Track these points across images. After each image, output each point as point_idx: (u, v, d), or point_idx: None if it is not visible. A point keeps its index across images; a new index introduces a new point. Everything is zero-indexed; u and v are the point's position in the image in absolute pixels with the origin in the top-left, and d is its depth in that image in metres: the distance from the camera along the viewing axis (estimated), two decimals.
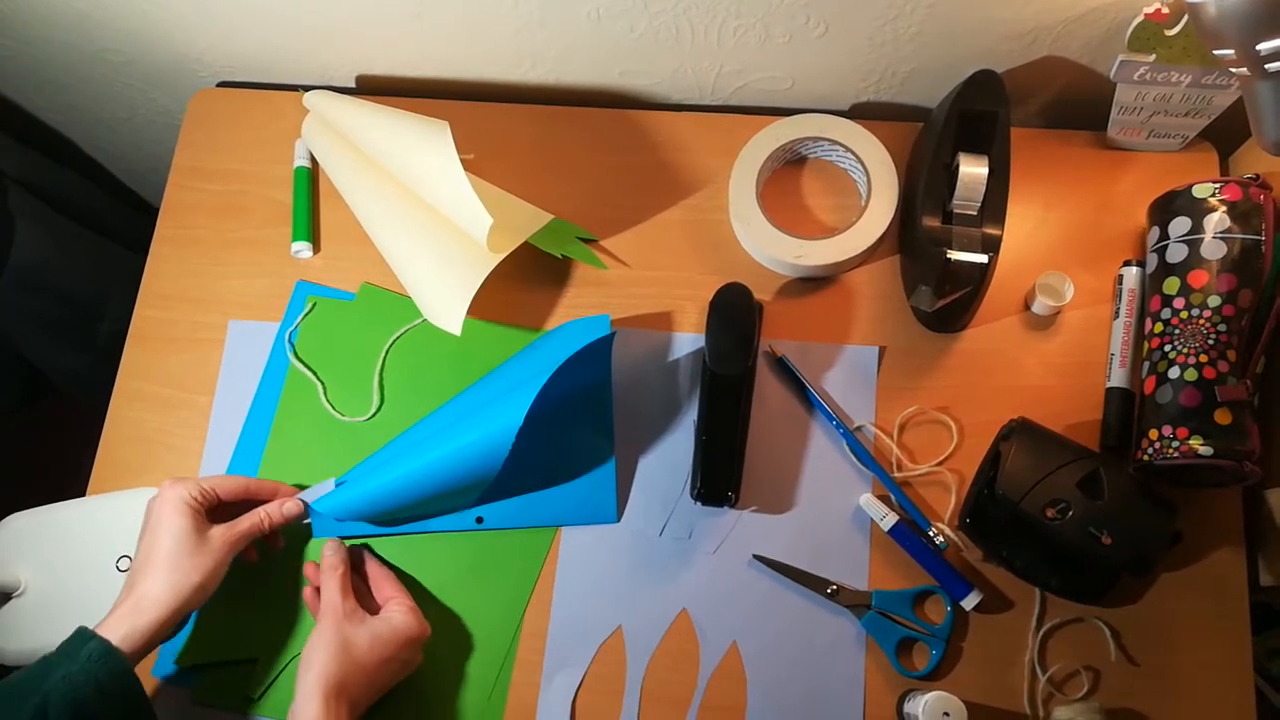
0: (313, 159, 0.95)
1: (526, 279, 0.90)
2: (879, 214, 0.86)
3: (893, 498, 0.82)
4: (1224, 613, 0.79)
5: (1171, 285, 0.79)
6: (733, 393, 0.83)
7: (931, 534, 0.81)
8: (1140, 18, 0.76)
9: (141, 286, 0.92)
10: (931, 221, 0.82)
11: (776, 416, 0.85)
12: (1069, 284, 0.85)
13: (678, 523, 0.83)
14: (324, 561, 0.78)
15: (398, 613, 0.76)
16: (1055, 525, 0.74)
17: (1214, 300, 0.76)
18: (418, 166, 0.85)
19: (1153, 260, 0.82)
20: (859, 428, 0.85)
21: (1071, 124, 0.92)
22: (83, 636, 0.67)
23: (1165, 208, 0.81)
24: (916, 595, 0.80)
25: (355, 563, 0.81)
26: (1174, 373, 0.76)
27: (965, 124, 0.83)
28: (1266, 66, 0.63)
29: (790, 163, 0.93)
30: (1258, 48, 0.62)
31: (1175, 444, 0.74)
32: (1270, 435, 0.78)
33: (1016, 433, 0.78)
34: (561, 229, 0.90)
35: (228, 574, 0.75)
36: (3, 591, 0.81)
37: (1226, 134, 0.88)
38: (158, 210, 0.95)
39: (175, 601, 0.70)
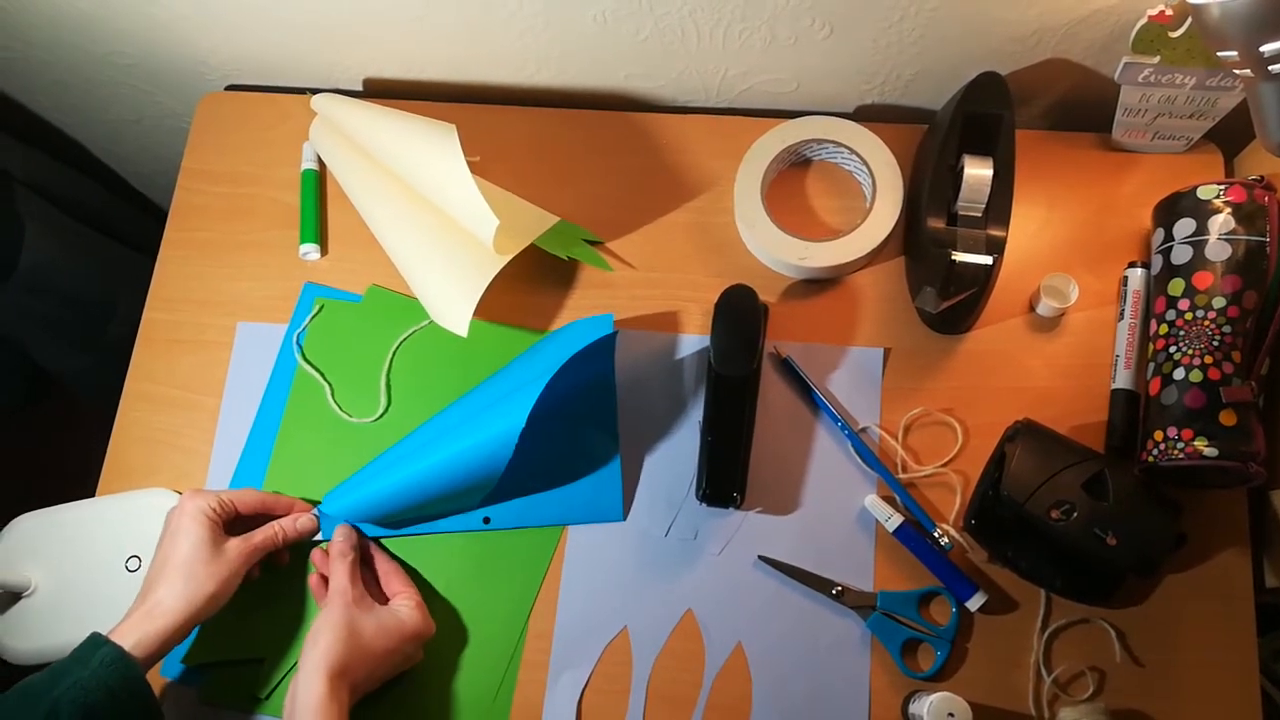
0: (320, 161, 0.96)
1: (532, 281, 0.90)
2: (884, 216, 0.87)
3: (898, 499, 0.82)
4: (1229, 614, 0.79)
5: (1176, 287, 0.79)
6: (738, 394, 0.83)
7: (936, 535, 0.81)
8: (1144, 20, 0.76)
9: (150, 289, 0.93)
10: (936, 223, 0.82)
11: (781, 418, 0.85)
12: (1074, 286, 0.85)
13: (683, 523, 0.83)
14: (333, 548, 0.78)
15: (405, 607, 0.76)
16: (1060, 526, 0.74)
17: (1219, 302, 0.76)
18: (424, 169, 0.85)
19: (1157, 262, 0.82)
20: (864, 429, 0.85)
21: (1076, 126, 0.92)
22: (95, 642, 0.67)
23: (1170, 209, 0.81)
24: (921, 596, 0.80)
25: (364, 555, 0.81)
26: (1179, 374, 0.76)
27: (970, 126, 0.83)
28: (1270, 68, 0.63)
29: (795, 165, 0.93)
30: (1261, 49, 0.62)
31: (1180, 445, 0.74)
32: (1275, 436, 0.78)
33: (1021, 434, 0.78)
34: (567, 231, 0.91)
35: None
36: (12, 592, 0.81)
37: (1231, 136, 0.88)
38: (165, 213, 0.95)
39: (188, 610, 0.71)
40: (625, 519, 0.83)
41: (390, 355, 0.89)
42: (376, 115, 0.90)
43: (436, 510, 0.82)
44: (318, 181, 0.95)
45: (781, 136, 0.90)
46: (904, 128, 0.91)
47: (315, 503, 0.82)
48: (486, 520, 0.83)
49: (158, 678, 0.81)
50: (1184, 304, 0.78)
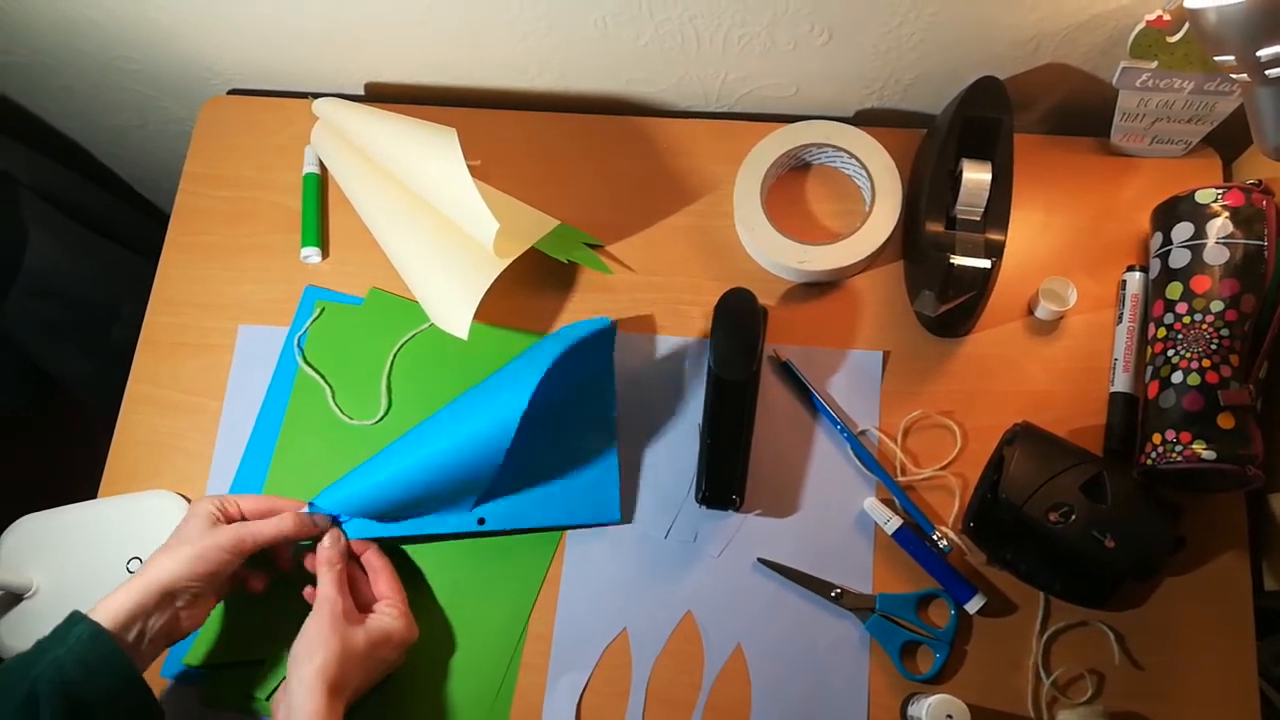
0: (322, 165, 0.96)
1: (533, 284, 0.90)
2: (883, 220, 0.87)
3: (897, 501, 0.83)
4: (1228, 617, 0.79)
5: (1174, 290, 0.79)
6: (737, 397, 0.83)
7: (935, 538, 0.81)
8: (1142, 25, 0.77)
9: (152, 292, 0.93)
10: (935, 227, 0.82)
11: (781, 421, 0.86)
12: (1072, 289, 0.85)
13: (683, 526, 0.84)
14: (320, 554, 0.77)
15: (389, 616, 0.76)
16: (1059, 529, 0.74)
17: (1217, 305, 0.76)
18: (425, 173, 0.86)
19: (1156, 265, 0.82)
20: (863, 432, 0.85)
21: (1074, 130, 0.93)
22: (72, 620, 0.68)
23: (1168, 213, 0.82)
24: (920, 599, 0.80)
25: (357, 549, 0.80)
26: (1177, 377, 0.76)
27: (969, 130, 0.83)
28: (1267, 72, 0.63)
29: (795, 169, 0.93)
30: (1258, 54, 0.62)
31: (1178, 448, 0.74)
32: (1273, 440, 0.79)
33: (1020, 437, 0.78)
34: (567, 234, 0.91)
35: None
36: (14, 593, 0.81)
37: (1229, 140, 0.88)
38: (168, 216, 0.96)
39: (163, 572, 0.70)
40: (622, 520, 0.84)
41: (391, 358, 0.89)
42: (378, 119, 0.90)
43: (430, 506, 0.81)
44: (319, 185, 0.96)
45: (781, 141, 0.90)
46: (903, 132, 0.92)
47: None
48: (481, 521, 0.82)
49: (158, 679, 0.81)
50: (1182, 308, 0.78)
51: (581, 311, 0.90)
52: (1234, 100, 0.82)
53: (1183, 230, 0.79)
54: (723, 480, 0.82)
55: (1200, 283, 0.77)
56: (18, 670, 0.65)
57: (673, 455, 0.85)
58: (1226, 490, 0.79)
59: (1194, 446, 0.74)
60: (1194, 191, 0.80)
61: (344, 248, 0.94)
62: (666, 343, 0.89)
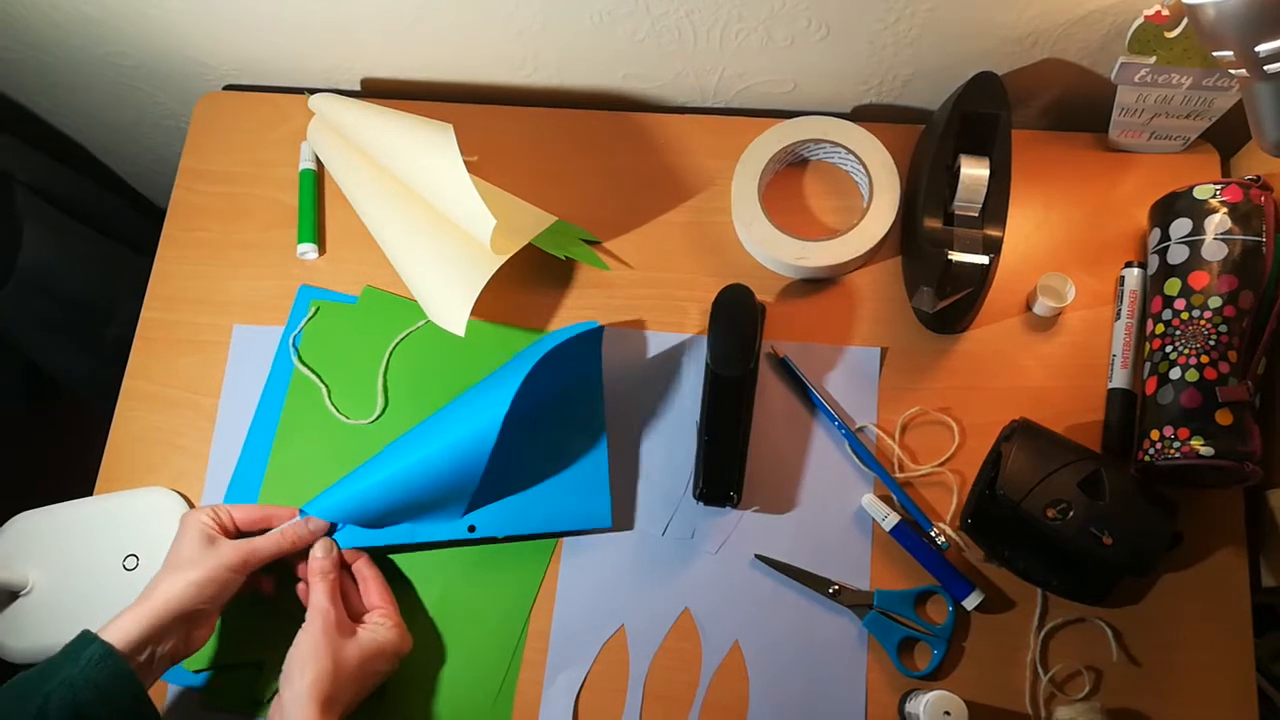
0: (318, 161, 0.96)
1: (530, 280, 0.90)
2: (880, 216, 0.87)
3: (894, 498, 0.83)
4: (1226, 614, 0.79)
5: (1173, 286, 0.79)
6: (735, 393, 0.83)
7: (933, 534, 0.81)
8: (1140, 20, 0.77)
9: (148, 288, 0.93)
10: (933, 223, 0.82)
11: (779, 417, 0.86)
12: (1070, 285, 0.85)
13: (680, 523, 0.83)
14: (312, 564, 0.77)
15: (383, 627, 0.76)
16: (1056, 526, 0.74)
17: (1215, 301, 0.76)
18: (422, 169, 0.85)
19: (1154, 261, 0.82)
20: (861, 428, 0.85)
21: (1072, 126, 0.93)
22: (85, 639, 0.67)
23: (1166, 209, 0.81)
24: (918, 595, 0.80)
25: (347, 558, 0.80)
26: (1175, 374, 0.76)
27: (966, 126, 0.83)
28: (1265, 68, 0.63)
29: (792, 165, 0.93)
30: (1256, 49, 0.62)
31: (1176, 445, 0.74)
32: (1271, 436, 0.78)
33: (1018, 433, 0.78)
34: (564, 231, 0.91)
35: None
36: (10, 590, 0.81)
37: (1228, 135, 0.88)
38: (164, 213, 0.95)
39: (174, 597, 0.70)
40: (614, 526, 0.83)
41: (387, 356, 0.89)
42: (374, 115, 0.90)
43: (419, 513, 0.81)
44: (315, 181, 0.95)
45: (779, 136, 0.90)
46: (901, 128, 0.92)
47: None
48: (472, 529, 0.81)
49: (160, 682, 0.80)
50: (1180, 304, 0.78)
51: (579, 308, 0.90)
52: (1232, 96, 0.81)
53: (1181, 226, 0.79)
54: (720, 477, 0.81)
55: (1198, 279, 0.77)
56: (29, 688, 0.65)
57: (670, 452, 0.85)
58: (1224, 487, 0.79)
59: (1192, 443, 0.74)
60: (1192, 187, 0.79)
61: (340, 244, 0.94)
62: (663, 339, 0.89)
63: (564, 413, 0.85)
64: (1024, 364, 0.86)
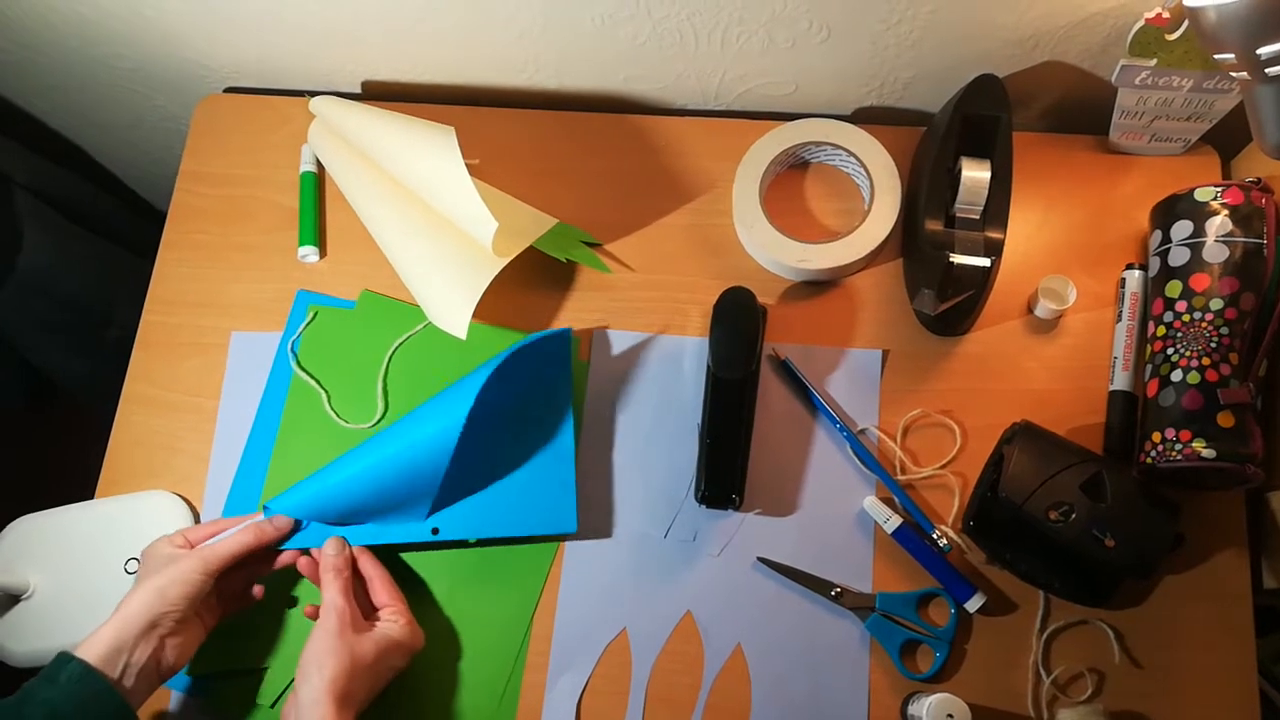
0: (318, 164, 0.96)
1: (531, 283, 0.90)
2: (882, 218, 0.87)
3: (896, 500, 0.83)
4: (1228, 615, 0.79)
5: (1174, 289, 0.79)
6: (736, 396, 0.83)
7: (935, 536, 0.81)
8: (1141, 22, 0.77)
9: (148, 292, 0.93)
10: (934, 225, 0.82)
11: (780, 420, 0.86)
12: (1071, 287, 0.85)
13: (682, 525, 0.83)
14: (324, 560, 0.77)
15: (395, 624, 0.76)
16: (1058, 528, 0.74)
17: (1216, 303, 0.76)
18: (423, 171, 0.85)
19: (1155, 264, 0.82)
20: (862, 431, 0.85)
21: (1073, 128, 0.93)
22: (62, 660, 0.67)
23: (1167, 211, 0.81)
24: (920, 597, 0.80)
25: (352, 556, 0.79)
26: (1176, 376, 0.76)
27: (967, 128, 0.83)
28: (1266, 70, 0.63)
29: (793, 167, 0.93)
30: (1258, 52, 0.62)
31: (1178, 447, 0.74)
32: (1273, 438, 0.79)
33: (1019, 436, 0.78)
34: (566, 233, 0.91)
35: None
36: (11, 594, 0.81)
37: (1228, 138, 0.88)
38: (164, 215, 0.95)
39: (136, 605, 0.70)
40: (577, 533, 0.83)
41: (386, 360, 0.89)
42: (375, 118, 0.90)
43: (384, 513, 0.80)
44: (316, 184, 0.95)
45: (780, 139, 0.90)
46: (902, 130, 0.92)
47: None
48: (435, 531, 0.81)
49: (162, 689, 0.80)
50: (1181, 306, 0.78)
51: (580, 310, 0.90)
52: (1233, 98, 0.81)
53: (1182, 228, 0.79)
54: (722, 479, 0.81)
55: (1199, 281, 0.77)
56: (8, 712, 0.64)
57: (672, 455, 0.85)
58: (1226, 489, 0.79)
59: (1194, 445, 0.74)
60: (1193, 189, 0.80)
61: (341, 247, 0.93)
62: (665, 342, 0.88)
63: (531, 417, 0.84)
64: (1025, 366, 0.86)
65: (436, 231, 0.86)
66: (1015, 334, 0.87)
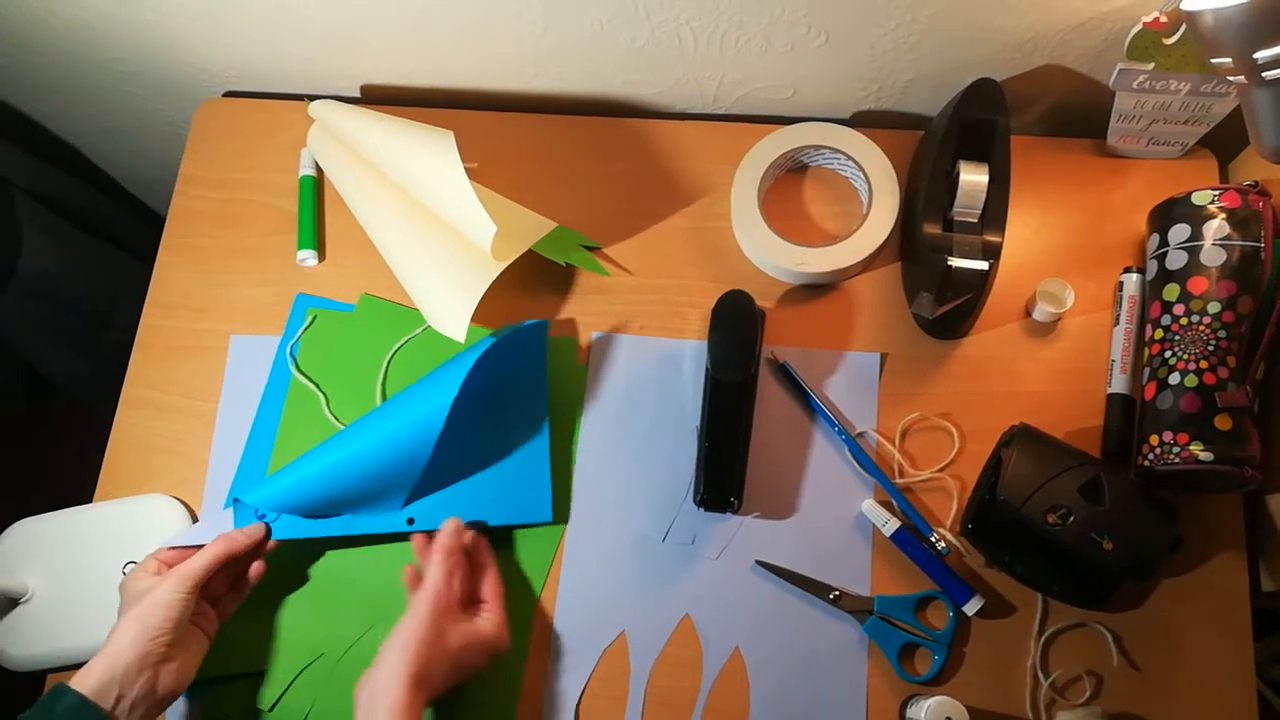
0: (318, 168, 0.96)
1: (530, 286, 0.90)
2: (880, 221, 0.87)
3: (894, 503, 0.83)
4: (1225, 618, 0.79)
5: (1171, 292, 0.79)
6: (735, 399, 0.83)
7: (933, 539, 0.81)
8: (1139, 26, 0.77)
9: (148, 295, 0.93)
10: (932, 229, 0.82)
11: (779, 423, 0.86)
12: (1069, 291, 0.85)
13: (681, 528, 0.83)
14: (439, 540, 0.76)
15: (489, 622, 0.75)
16: (1056, 531, 0.74)
17: (1214, 307, 0.76)
18: (422, 175, 0.85)
19: (1153, 267, 0.82)
20: (861, 434, 0.85)
21: (1071, 132, 0.93)
22: (58, 691, 0.67)
23: (1165, 215, 0.82)
24: (919, 600, 0.80)
25: (468, 543, 0.79)
26: (1174, 379, 0.77)
27: (965, 132, 0.83)
28: (1263, 74, 0.63)
29: (792, 171, 0.93)
30: (1254, 56, 0.62)
31: (1176, 450, 0.74)
32: (1271, 441, 0.79)
33: (1018, 439, 0.78)
34: (565, 237, 0.91)
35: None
36: (10, 597, 0.81)
37: (1226, 141, 0.88)
38: (164, 219, 0.95)
39: (124, 638, 0.69)
40: (555, 521, 0.83)
41: (385, 363, 0.89)
42: (374, 122, 0.90)
43: (359, 504, 0.80)
44: (315, 188, 0.95)
45: (778, 142, 0.90)
46: (900, 133, 0.92)
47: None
48: (411, 521, 0.81)
49: None
50: (1179, 309, 0.78)
51: (579, 314, 0.90)
52: (1230, 102, 0.82)
53: (1179, 232, 0.80)
54: (721, 482, 0.82)
55: (1197, 284, 0.77)
56: None
57: (671, 458, 0.85)
58: (1224, 491, 0.79)
59: (1191, 448, 0.74)
60: (1190, 193, 0.80)
61: (340, 251, 0.94)
62: (664, 345, 0.89)
63: (506, 407, 0.85)
64: (1024, 369, 0.86)
65: (435, 235, 0.86)
66: (1013, 337, 0.87)
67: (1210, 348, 0.76)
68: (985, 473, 0.80)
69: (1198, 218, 0.79)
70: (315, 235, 0.93)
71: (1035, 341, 0.87)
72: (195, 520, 0.85)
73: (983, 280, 0.80)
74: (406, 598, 0.77)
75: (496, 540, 0.83)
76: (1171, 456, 0.75)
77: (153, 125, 1.11)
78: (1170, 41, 0.77)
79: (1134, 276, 0.85)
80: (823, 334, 0.88)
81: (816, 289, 0.90)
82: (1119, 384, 0.84)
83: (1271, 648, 0.85)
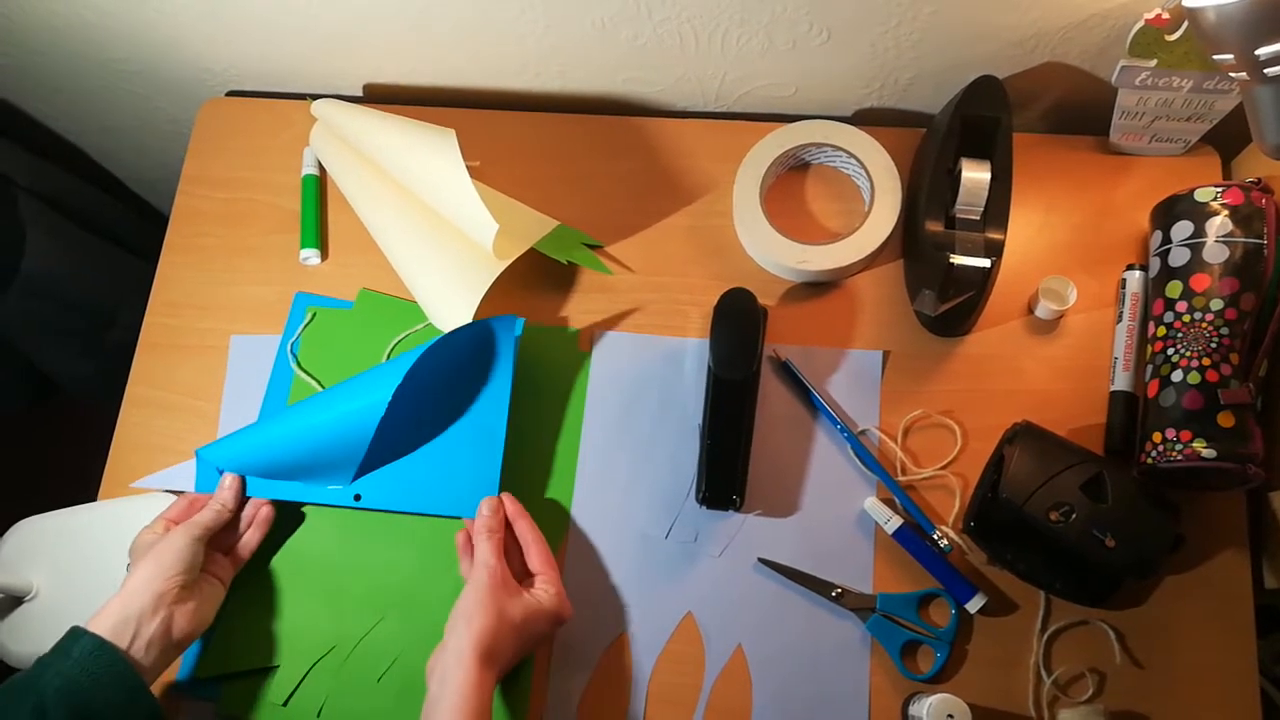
0: (320, 167, 0.96)
1: (532, 285, 0.90)
2: (882, 219, 0.87)
3: (897, 501, 0.83)
4: (1228, 615, 0.79)
5: (1174, 289, 0.79)
6: (737, 397, 0.83)
7: (936, 537, 0.81)
8: (1141, 23, 0.77)
9: (151, 294, 0.93)
10: (935, 226, 0.82)
11: (781, 421, 0.86)
12: (1072, 288, 0.85)
13: (683, 526, 0.83)
14: (479, 521, 0.78)
15: (547, 593, 0.76)
16: (1059, 528, 0.74)
17: (1216, 304, 0.76)
18: (424, 174, 0.86)
19: (1155, 264, 0.82)
20: (863, 431, 0.85)
21: (1073, 129, 0.93)
22: (75, 634, 0.68)
23: (1167, 212, 0.82)
24: (921, 598, 0.80)
25: (510, 517, 0.80)
26: (1177, 376, 0.76)
27: (968, 129, 0.83)
28: (1266, 71, 0.63)
29: (794, 169, 0.93)
30: (1257, 52, 0.62)
31: (1179, 447, 0.74)
32: (1274, 438, 0.78)
33: (1020, 436, 0.78)
34: (567, 235, 0.91)
35: (241, 584, 0.79)
36: (14, 595, 0.81)
37: (1228, 138, 0.88)
38: (167, 218, 0.96)
39: (139, 579, 0.71)
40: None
41: (385, 357, 0.89)
42: (376, 121, 0.90)
43: (311, 472, 0.81)
44: (318, 186, 0.95)
45: (780, 140, 0.90)
46: (902, 131, 0.92)
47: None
48: (358, 497, 0.82)
49: (171, 693, 0.80)
50: (1182, 306, 0.78)
51: (581, 312, 0.90)
52: (1233, 99, 0.82)
53: (1182, 229, 0.79)
54: (723, 480, 0.82)
55: (1200, 281, 0.77)
56: (23, 686, 0.66)
57: (673, 456, 0.85)
58: (1227, 489, 0.79)
59: (1194, 445, 0.74)
60: (1193, 190, 0.80)
61: (343, 249, 0.94)
62: (666, 343, 0.89)
63: (466, 397, 0.84)
64: (1026, 367, 0.86)
65: (438, 234, 0.86)
66: (1016, 335, 0.87)
67: (1213, 345, 0.76)
68: (987, 470, 0.80)
69: (1200, 215, 0.79)
70: (318, 234, 0.93)
71: (1038, 339, 0.87)
72: None
73: (985, 278, 0.80)
74: (461, 568, 0.80)
75: None
76: (1174, 454, 0.74)
77: (155, 124, 1.11)
78: (1172, 38, 0.77)
79: (1136, 274, 0.85)
80: (825, 332, 0.88)
81: (818, 287, 0.90)
82: (1121, 381, 0.84)
83: (1274, 645, 0.85)
